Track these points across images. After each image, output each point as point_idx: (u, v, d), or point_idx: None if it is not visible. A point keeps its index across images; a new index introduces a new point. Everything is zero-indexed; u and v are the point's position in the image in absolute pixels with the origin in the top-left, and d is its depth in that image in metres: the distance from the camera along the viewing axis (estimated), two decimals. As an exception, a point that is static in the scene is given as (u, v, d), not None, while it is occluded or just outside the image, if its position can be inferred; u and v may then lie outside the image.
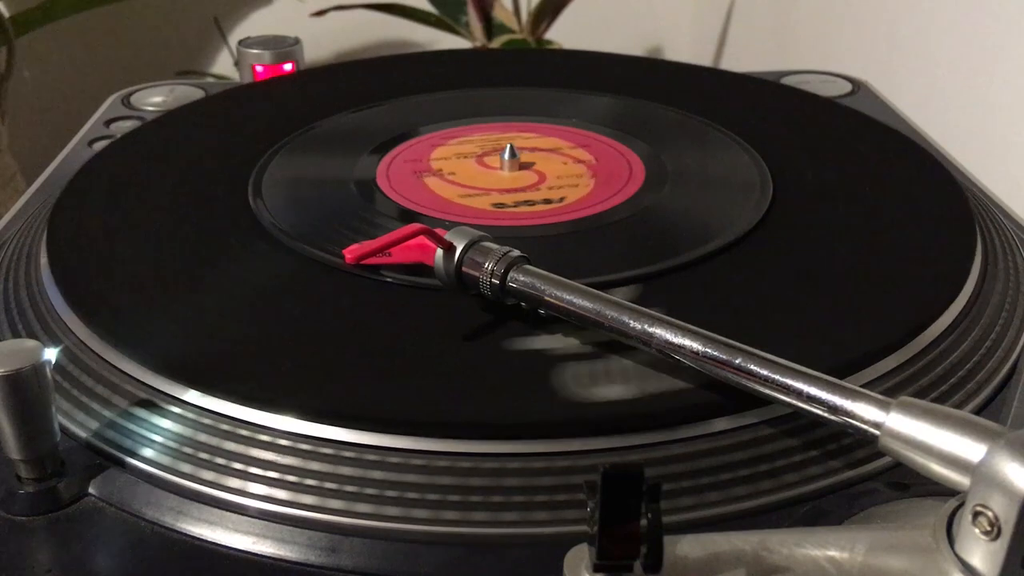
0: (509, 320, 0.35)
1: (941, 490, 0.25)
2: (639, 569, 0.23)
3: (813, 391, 0.28)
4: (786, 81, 0.65)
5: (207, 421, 0.31)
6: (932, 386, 0.33)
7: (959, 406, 0.33)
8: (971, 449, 0.24)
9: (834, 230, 0.42)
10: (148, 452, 0.31)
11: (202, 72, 1.45)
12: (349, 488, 0.29)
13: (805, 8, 1.06)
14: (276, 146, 0.50)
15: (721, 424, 0.31)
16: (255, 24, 1.42)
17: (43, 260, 0.40)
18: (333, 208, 0.44)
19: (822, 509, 0.29)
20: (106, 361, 0.34)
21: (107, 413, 0.32)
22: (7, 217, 0.48)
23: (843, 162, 0.49)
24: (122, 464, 0.31)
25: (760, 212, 0.43)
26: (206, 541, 0.29)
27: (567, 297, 0.33)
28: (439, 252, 0.36)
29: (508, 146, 0.48)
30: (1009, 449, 0.22)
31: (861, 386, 0.29)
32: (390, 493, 0.29)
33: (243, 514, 0.29)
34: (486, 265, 0.35)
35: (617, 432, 0.30)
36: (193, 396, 0.32)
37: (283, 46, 0.66)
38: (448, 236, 0.36)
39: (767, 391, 0.29)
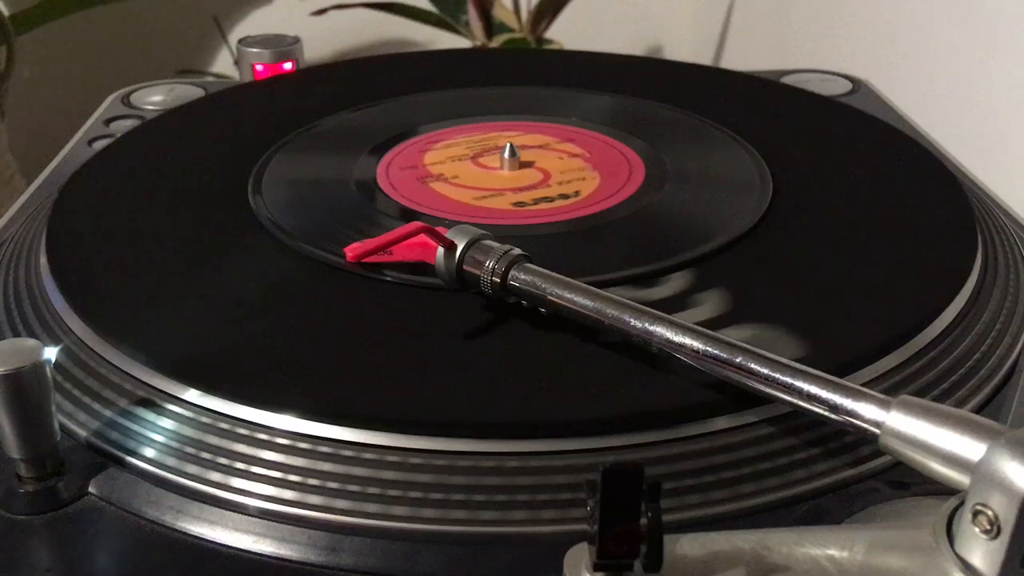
0: (510, 319, 0.35)
1: (941, 489, 0.25)
2: (639, 568, 0.23)
3: (814, 390, 0.28)
4: (786, 80, 0.65)
5: (207, 420, 0.31)
6: (932, 385, 0.33)
7: (959, 405, 0.33)
8: (971, 448, 0.24)
9: (834, 229, 0.42)
10: (148, 451, 0.31)
11: (202, 71, 1.45)
12: (350, 487, 0.29)
13: (805, 7, 1.06)
14: (276, 145, 0.50)
15: (721, 423, 0.31)
16: (255, 23, 1.42)
17: (43, 259, 0.40)
18: (333, 207, 0.44)
19: (822, 508, 0.29)
20: (106, 360, 0.34)
21: (107, 412, 0.32)
22: (7, 216, 0.48)
23: (843, 161, 0.49)
24: (122, 463, 0.31)
25: (760, 211, 0.43)
26: (206, 540, 0.29)
27: (568, 296, 0.33)
28: (440, 250, 0.36)
29: (508, 145, 0.48)
30: (1009, 448, 0.22)
31: (861, 385, 0.29)
32: (391, 492, 0.29)
33: (243, 513, 0.29)
34: (487, 263, 0.35)
35: (617, 431, 0.30)
36: (193, 395, 0.32)
37: (283, 45, 0.66)
38: (449, 234, 0.36)
39: (768, 390, 0.29)
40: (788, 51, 1.10)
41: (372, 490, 0.29)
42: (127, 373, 0.33)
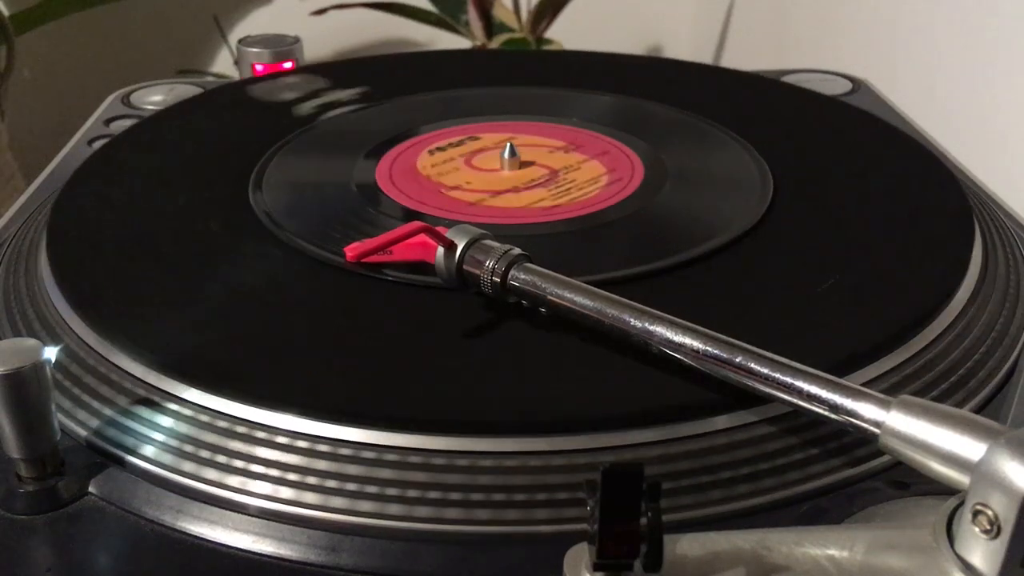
0: (510, 319, 0.35)
1: (941, 489, 0.25)
2: (639, 568, 0.23)
3: (814, 389, 0.28)
4: (786, 80, 0.65)
5: (207, 419, 0.31)
6: (932, 385, 0.33)
7: (959, 405, 0.33)
8: (971, 448, 0.24)
9: (834, 228, 0.42)
10: (148, 451, 0.31)
11: (202, 71, 1.45)
12: (350, 487, 0.29)
13: (805, 7, 1.06)
14: (276, 145, 0.50)
15: (721, 422, 0.31)
16: (255, 23, 1.42)
17: (43, 259, 0.40)
18: (334, 207, 0.44)
19: (822, 508, 0.29)
20: (106, 359, 0.34)
21: (107, 412, 0.32)
22: (7, 216, 0.48)
23: (843, 160, 0.49)
24: (122, 463, 0.31)
25: (760, 210, 0.43)
26: (206, 540, 0.29)
27: (568, 295, 0.33)
28: (440, 250, 0.36)
29: (508, 145, 0.48)
30: (1009, 448, 0.22)
31: (861, 385, 0.29)
32: (391, 491, 0.29)
33: (243, 513, 0.29)
34: (487, 263, 0.35)
35: (617, 430, 0.30)
36: (193, 395, 0.32)
37: (283, 45, 0.66)
38: (449, 234, 0.36)
39: (767, 389, 0.29)
40: (788, 51, 1.10)
41: (372, 489, 0.29)
42: (127, 372, 0.33)
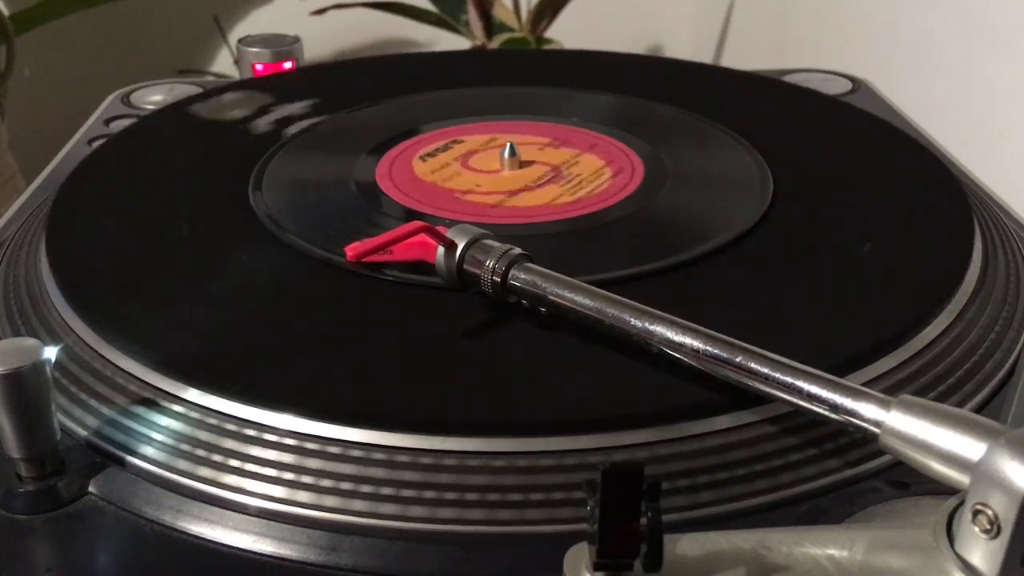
0: (510, 319, 0.35)
1: (941, 489, 0.25)
2: (639, 568, 0.23)
3: (814, 389, 0.28)
4: (786, 80, 0.65)
5: (207, 419, 0.31)
6: (932, 384, 0.33)
7: (959, 405, 0.33)
8: (971, 448, 0.24)
9: (834, 228, 0.42)
10: (148, 450, 0.31)
11: (202, 71, 1.45)
12: (349, 487, 0.29)
13: (805, 7, 1.06)
14: (276, 145, 0.50)
15: (721, 422, 0.31)
16: (255, 22, 1.42)
17: (43, 258, 0.40)
18: (333, 207, 0.44)
19: (822, 508, 0.29)
20: (106, 359, 0.34)
21: (107, 411, 0.32)
22: (7, 216, 0.48)
23: (843, 160, 0.49)
24: (122, 462, 0.31)
25: (760, 210, 0.43)
26: (206, 540, 0.29)
27: (568, 295, 0.33)
28: (440, 250, 0.36)
29: (508, 145, 0.48)
30: (1009, 448, 0.22)
31: (861, 384, 0.29)
32: (390, 492, 0.29)
33: (243, 513, 0.29)
34: (487, 263, 0.35)
35: (617, 430, 0.30)
36: (193, 394, 0.32)
37: (283, 44, 0.66)
38: (449, 234, 0.36)
39: (767, 389, 0.29)
40: (788, 51, 1.10)
41: (371, 489, 0.29)
42: (127, 372, 0.33)
